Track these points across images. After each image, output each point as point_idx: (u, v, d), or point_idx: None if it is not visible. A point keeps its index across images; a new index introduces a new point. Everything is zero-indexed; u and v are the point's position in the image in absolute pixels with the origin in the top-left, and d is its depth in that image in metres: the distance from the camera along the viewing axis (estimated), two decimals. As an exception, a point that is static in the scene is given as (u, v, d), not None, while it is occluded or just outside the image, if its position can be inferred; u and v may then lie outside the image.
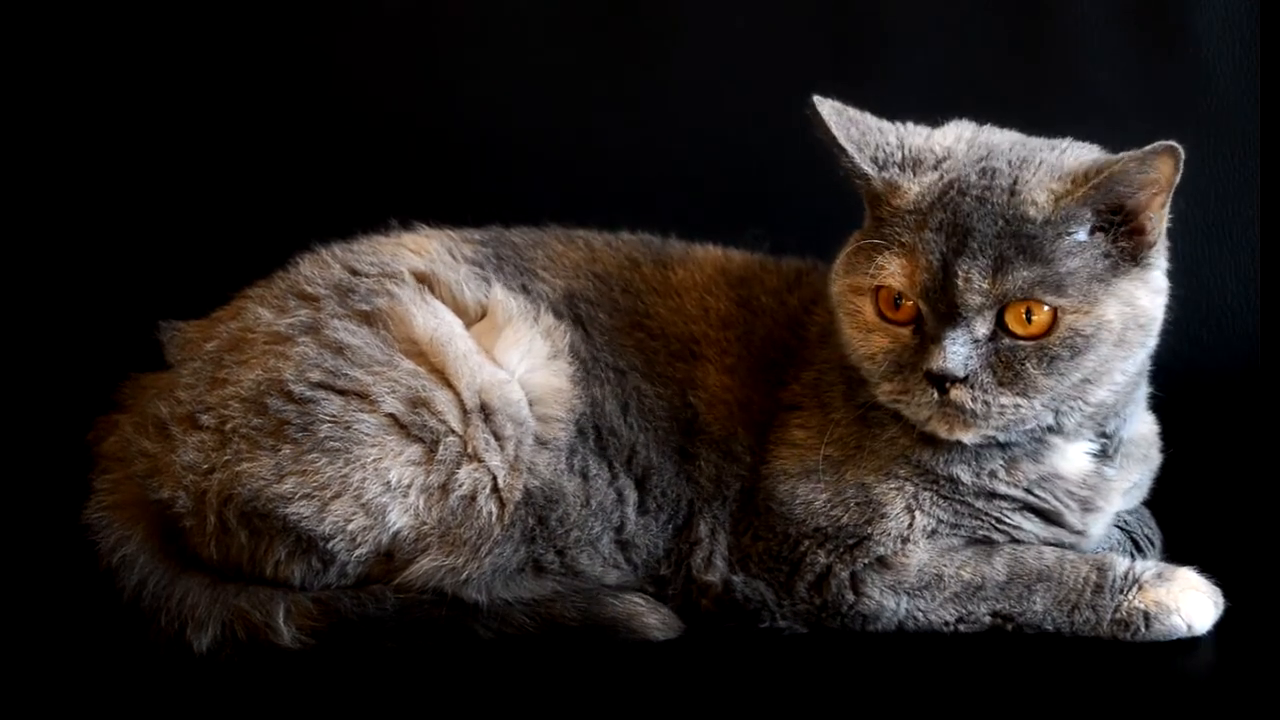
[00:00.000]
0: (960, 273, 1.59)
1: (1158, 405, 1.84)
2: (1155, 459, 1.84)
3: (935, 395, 1.61)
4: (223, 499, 1.68)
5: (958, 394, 1.60)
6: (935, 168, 1.66)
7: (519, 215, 1.97)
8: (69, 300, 2.45)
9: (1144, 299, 1.64)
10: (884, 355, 1.65)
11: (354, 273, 1.79)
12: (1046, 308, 1.59)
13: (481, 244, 1.87)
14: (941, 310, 1.60)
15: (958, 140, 1.70)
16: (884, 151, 1.68)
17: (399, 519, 1.67)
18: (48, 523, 1.90)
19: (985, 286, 1.58)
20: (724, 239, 1.94)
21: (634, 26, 2.48)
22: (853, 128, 1.68)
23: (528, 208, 2.00)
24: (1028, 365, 1.60)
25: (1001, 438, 1.67)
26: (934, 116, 1.75)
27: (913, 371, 1.63)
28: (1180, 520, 1.90)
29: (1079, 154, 1.67)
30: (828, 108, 1.68)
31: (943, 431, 1.65)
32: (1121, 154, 1.60)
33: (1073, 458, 1.72)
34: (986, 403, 1.61)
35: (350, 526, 1.67)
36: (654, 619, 1.72)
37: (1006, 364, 1.60)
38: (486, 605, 1.71)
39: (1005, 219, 1.60)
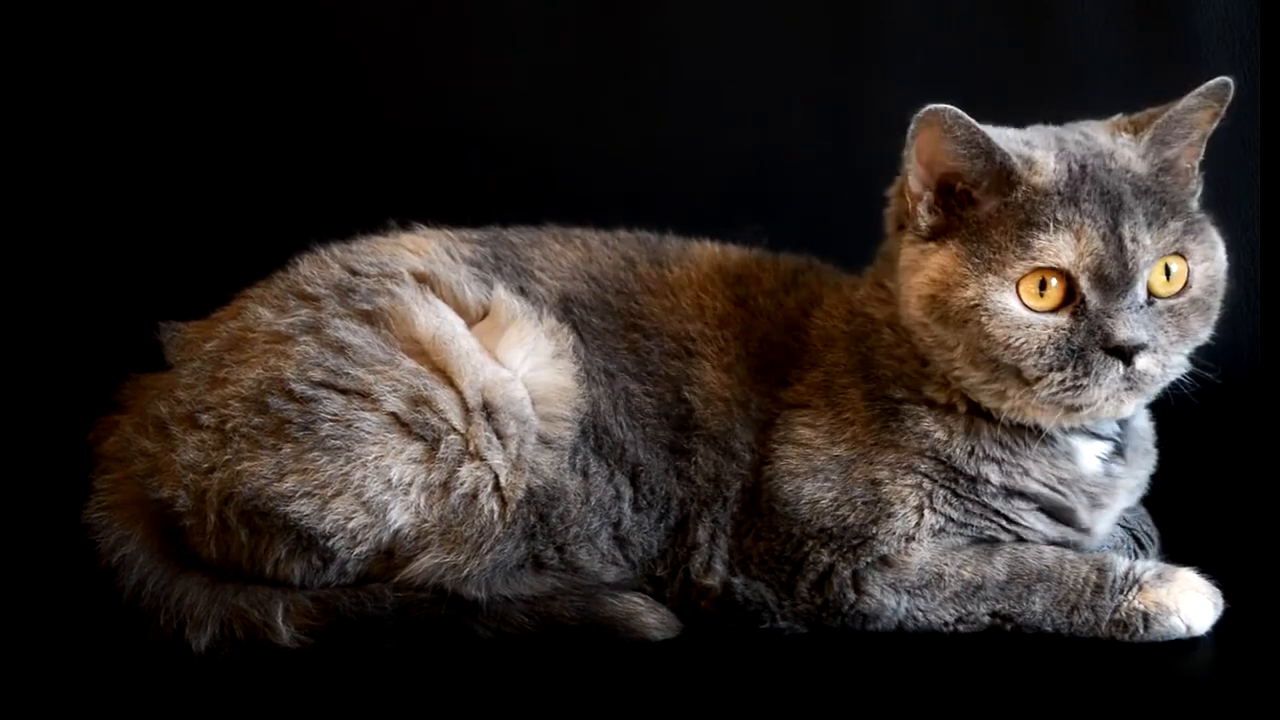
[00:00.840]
0: (1129, 235, 1.58)
1: (1158, 405, 1.83)
2: (1153, 453, 1.83)
3: (1121, 369, 1.59)
4: (223, 498, 1.68)
5: (1143, 362, 1.59)
6: (1028, 146, 1.65)
7: (519, 215, 1.97)
8: (69, 300, 2.45)
9: (1221, 246, 1.67)
10: (1050, 345, 1.60)
11: (353, 273, 1.79)
12: (1185, 260, 1.61)
13: (479, 244, 1.87)
14: (1113, 279, 1.58)
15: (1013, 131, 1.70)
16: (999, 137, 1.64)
17: (400, 517, 1.67)
18: (48, 523, 1.90)
19: (1150, 244, 1.58)
20: (723, 239, 1.93)
21: (634, 26, 2.48)
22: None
23: (527, 208, 1.99)
24: (1183, 319, 1.61)
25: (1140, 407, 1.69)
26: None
27: (1091, 351, 1.59)
28: (1180, 520, 1.90)
29: (1088, 126, 1.70)
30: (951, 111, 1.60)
31: (1120, 409, 1.63)
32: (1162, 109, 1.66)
33: (1088, 454, 1.72)
34: (1164, 364, 1.61)
35: (351, 524, 1.67)
36: (652, 618, 1.72)
37: (1169, 322, 1.61)
38: (486, 602, 1.71)
39: (1130, 182, 1.61)
